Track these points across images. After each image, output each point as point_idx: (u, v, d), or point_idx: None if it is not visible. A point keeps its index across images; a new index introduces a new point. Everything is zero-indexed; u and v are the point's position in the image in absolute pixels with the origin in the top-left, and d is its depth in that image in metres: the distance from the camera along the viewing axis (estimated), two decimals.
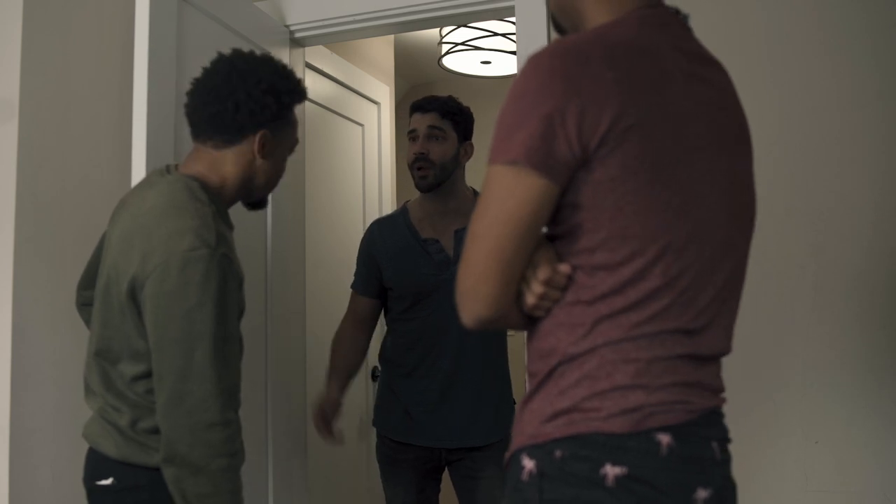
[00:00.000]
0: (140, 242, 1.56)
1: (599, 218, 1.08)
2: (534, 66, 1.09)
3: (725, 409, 1.19)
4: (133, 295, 1.55)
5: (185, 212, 1.57)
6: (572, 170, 1.07)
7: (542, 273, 1.10)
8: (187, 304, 1.50)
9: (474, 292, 1.10)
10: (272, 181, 1.78)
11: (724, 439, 1.16)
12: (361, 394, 3.22)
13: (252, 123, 1.67)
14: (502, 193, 1.08)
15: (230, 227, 1.72)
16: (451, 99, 2.51)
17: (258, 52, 1.74)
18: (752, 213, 1.24)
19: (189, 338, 1.50)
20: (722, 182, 1.16)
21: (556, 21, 1.31)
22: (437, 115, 2.45)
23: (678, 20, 1.22)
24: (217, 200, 1.67)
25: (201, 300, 1.50)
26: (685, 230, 1.10)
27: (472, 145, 2.52)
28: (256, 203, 1.83)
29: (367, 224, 2.99)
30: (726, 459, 1.15)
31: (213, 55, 1.74)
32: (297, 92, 1.73)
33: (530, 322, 1.16)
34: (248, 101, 1.65)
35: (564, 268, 1.10)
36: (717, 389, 1.17)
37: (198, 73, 1.73)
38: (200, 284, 1.50)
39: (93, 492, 1.63)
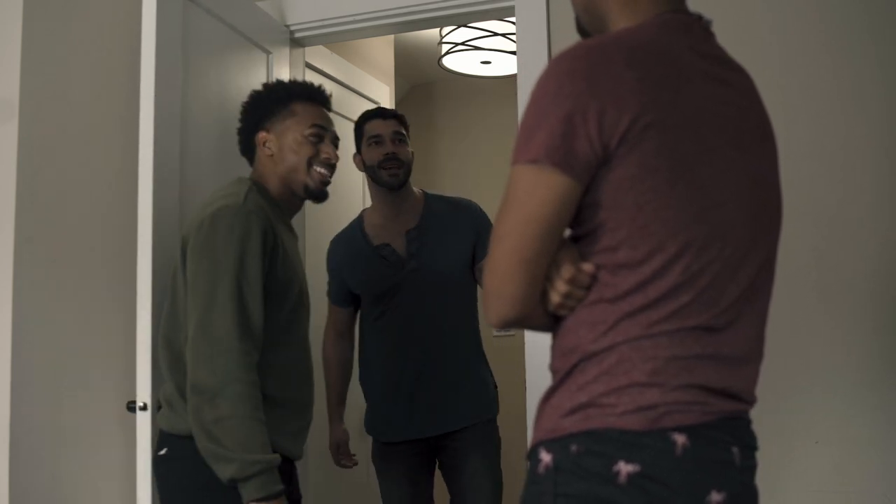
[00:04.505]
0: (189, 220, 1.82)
1: (620, 216, 1.08)
2: (555, 68, 1.10)
3: None
4: (184, 259, 1.77)
5: (226, 191, 1.82)
6: (593, 168, 1.07)
7: (566, 272, 1.10)
8: (214, 248, 1.72)
9: (499, 292, 1.11)
10: (298, 165, 1.92)
11: (749, 446, 1.15)
12: (360, 395, 3.22)
13: (248, 132, 1.97)
14: (524, 193, 1.09)
15: (290, 229, 1.96)
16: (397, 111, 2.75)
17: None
18: (777, 214, 1.24)
19: (214, 273, 1.70)
20: (743, 181, 1.16)
21: (580, 24, 1.32)
22: (397, 121, 2.64)
23: (700, 24, 1.22)
24: (269, 197, 1.89)
25: (225, 244, 1.71)
26: (706, 228, 1.10)
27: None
28: (312, 194, 1.96)
29: None
30: (749, 466, 1.14)
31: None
32: (279, 93, 1.97)
33: (555, 323, 1.16)
34: (241, 118, 1.99)
35: (588, 267, 1.10)
36: (744, 396, 1.15)
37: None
38: (225, 234, 1.72)
39: (154, 462, 1.83)
